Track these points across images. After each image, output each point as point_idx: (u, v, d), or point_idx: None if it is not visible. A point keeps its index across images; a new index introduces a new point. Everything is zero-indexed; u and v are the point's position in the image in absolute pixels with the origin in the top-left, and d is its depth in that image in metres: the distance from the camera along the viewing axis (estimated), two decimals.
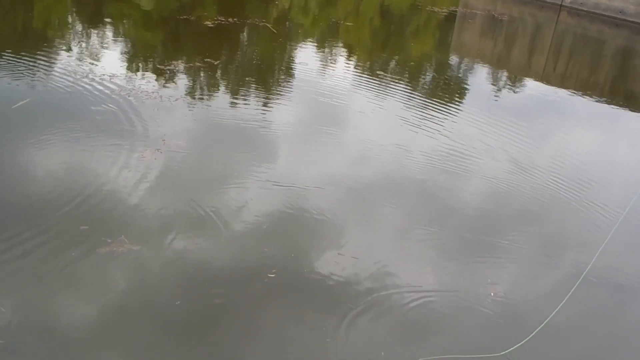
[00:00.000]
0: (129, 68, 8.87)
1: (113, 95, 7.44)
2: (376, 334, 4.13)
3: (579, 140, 9.22)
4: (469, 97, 10.81)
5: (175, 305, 4.06)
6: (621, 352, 4.50)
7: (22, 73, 7.80)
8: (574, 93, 12.27)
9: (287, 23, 15.14)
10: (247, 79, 9.60)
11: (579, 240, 5.94)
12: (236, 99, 8.42)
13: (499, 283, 4.93)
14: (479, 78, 12.92)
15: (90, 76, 7.98)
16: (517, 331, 4.28)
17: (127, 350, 3.68)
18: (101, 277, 4.20)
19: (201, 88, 8.68)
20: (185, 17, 12.66)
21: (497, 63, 14.84)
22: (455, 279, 4.91)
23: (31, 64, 8.26)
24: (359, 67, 11.88)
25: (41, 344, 3.60)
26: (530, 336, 4.17)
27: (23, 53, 8.67)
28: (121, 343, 3.72)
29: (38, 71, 7.96)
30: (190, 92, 8.25)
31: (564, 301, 4.45)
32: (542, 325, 4.26)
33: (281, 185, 5.86)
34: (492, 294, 4.71)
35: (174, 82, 8.48)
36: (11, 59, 8.40)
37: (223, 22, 12.67)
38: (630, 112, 11.62)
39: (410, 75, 11.82)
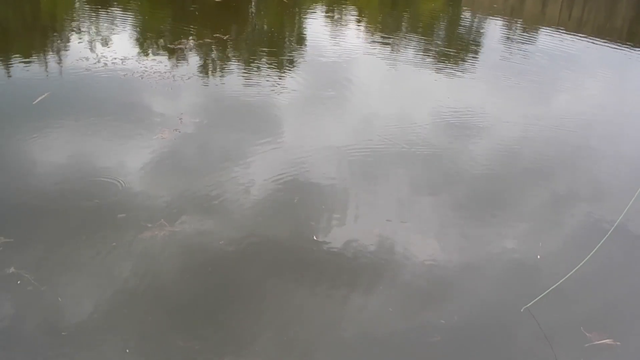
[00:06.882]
0: (139, 49, 8.88)
1: (126, 79, 7.48)
2: (394, 301, 4.20)
3: (600, 89, 9.04)
4: (482, 51, 10.63)
5: (230, 280, 4.15)
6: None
7: (36, 66, 7.85)
8: (591, 39, 11.97)
9: None
10: (259, 51, 9.55)
11: (604, 195, 5.86)
12: (249, 72, 8.39)
13: (523, 240, 4.95)
14: (492, 31, 12.66)
15: (103, 61, 8.01)
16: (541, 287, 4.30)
17: (186, 327, 3.79)
18: (148, 262, 4.27)
19: (213, 64, 8.67)
20: None
21: (510, 14, 14.51)
22: (474, 239, 4.93)
23: (43, 55, 8.31)
24: (369, 29, 11.73)
25: (103, 331, 3.69)
26: (549, 289, 4.17)
27: (33, 45, 8.72)
28: (179, 321, 3.82)
29: (51, 62, 8.01)
30: (202, 69, 8.25)
31: (588, 256, 4.38)
32: (564, 279, 4.24)
33: (302, 153, 5.89)
34: (538, 256, 4.72)
35: (185, 60, 8.48)
36: (23, 53, 8.46)
37: None
38: None
39: (422, 33, 11.64)
